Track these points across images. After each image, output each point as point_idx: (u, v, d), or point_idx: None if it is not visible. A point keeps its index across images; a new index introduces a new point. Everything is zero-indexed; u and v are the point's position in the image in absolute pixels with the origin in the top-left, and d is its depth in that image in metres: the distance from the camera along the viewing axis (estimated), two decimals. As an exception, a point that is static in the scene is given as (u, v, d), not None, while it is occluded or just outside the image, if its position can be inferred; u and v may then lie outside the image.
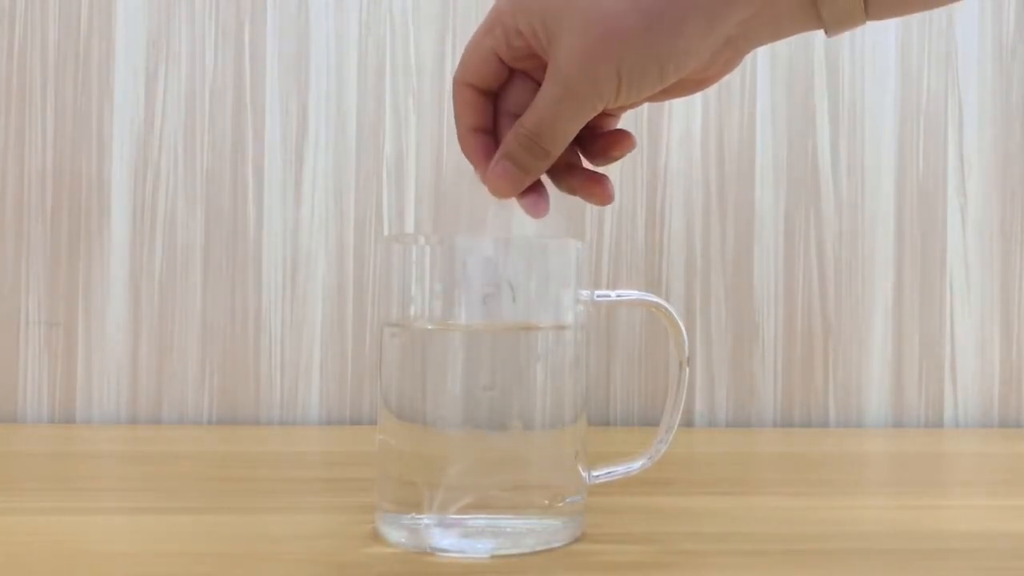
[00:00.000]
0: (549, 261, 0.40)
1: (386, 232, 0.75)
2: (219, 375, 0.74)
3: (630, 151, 0.44)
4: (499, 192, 0.42)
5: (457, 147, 0.44)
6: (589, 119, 0.40)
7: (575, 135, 0.41)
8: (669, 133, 0.77)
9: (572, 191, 0.44)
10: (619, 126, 0.46)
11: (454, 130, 0.78)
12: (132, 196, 0.74)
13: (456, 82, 0.43)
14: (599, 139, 0.44)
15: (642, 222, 0.77)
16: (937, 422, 0.78)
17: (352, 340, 0.75)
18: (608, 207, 0.76)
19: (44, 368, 0.73)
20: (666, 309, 0.42)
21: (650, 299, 0.42)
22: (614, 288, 0.76)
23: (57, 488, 0.51)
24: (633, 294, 0.43)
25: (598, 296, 0.42)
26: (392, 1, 0.75)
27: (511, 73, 0.43)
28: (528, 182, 0.42)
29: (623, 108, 0.43)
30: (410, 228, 0.75)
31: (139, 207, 0.74)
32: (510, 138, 0.41)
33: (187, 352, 0.74)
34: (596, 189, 0.44)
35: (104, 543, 0.40)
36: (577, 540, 0.41)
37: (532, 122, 0.40)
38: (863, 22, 0.39)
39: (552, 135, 0.40)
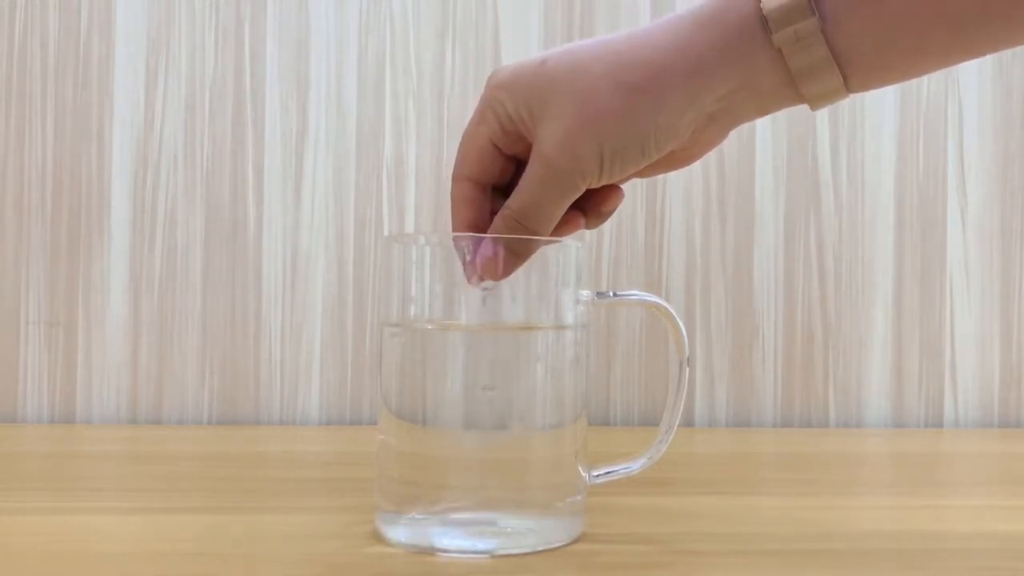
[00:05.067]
0: (549, 261, 0.40)
1: (386, 232, 0.75)
2: (219, 375, 0.74)
3: (620, 204, 0.44)
4: (490, 276, 0.40)
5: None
6: (575, 198, 0.40)
7: (562, 214, 0.40)
8: (669, 133, 0.77)
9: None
10: None
11: (453, 130, 0.78)
12: (132, 196, 0.74)
13: (454, 178, 0.42)
14: (589, 198, 0.43)
15: (642, 222, 0.77)
16: (937, 422, 0.78)
17: (352, 340, 0.75)
18: (608, 207, 0.76)
19: (44, 368, 0.73)
20: (666, 309, 0.42)
21: (650, 299, 0.42)
22: (614, 288, 0.76)
23: (57, 488, 0.51)
24: (633, 294, 0.43)
25: (598, 296, 0.42)
26: (392, 2, 0.75)
27: (506, 164, 0.42)
28: (519, 264, 0.40)
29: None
30: (410, 228, 0.75)
31: (139, 207, 0.74)
32: (498, 221, 0.41)
33: (187, 352, 0.74)
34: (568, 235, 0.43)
35: (104, 543, 0.40)
36: (577, 540, 0.41)
37: (518, 204, 0.40)
38: (845, 96, 0.39)
39: (538, 216, 0.40)
